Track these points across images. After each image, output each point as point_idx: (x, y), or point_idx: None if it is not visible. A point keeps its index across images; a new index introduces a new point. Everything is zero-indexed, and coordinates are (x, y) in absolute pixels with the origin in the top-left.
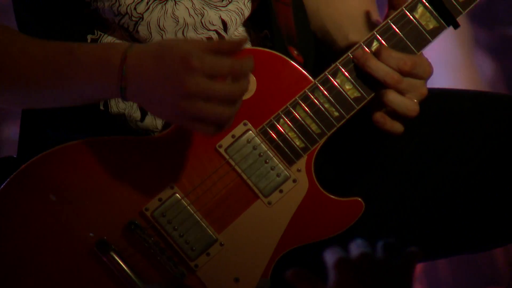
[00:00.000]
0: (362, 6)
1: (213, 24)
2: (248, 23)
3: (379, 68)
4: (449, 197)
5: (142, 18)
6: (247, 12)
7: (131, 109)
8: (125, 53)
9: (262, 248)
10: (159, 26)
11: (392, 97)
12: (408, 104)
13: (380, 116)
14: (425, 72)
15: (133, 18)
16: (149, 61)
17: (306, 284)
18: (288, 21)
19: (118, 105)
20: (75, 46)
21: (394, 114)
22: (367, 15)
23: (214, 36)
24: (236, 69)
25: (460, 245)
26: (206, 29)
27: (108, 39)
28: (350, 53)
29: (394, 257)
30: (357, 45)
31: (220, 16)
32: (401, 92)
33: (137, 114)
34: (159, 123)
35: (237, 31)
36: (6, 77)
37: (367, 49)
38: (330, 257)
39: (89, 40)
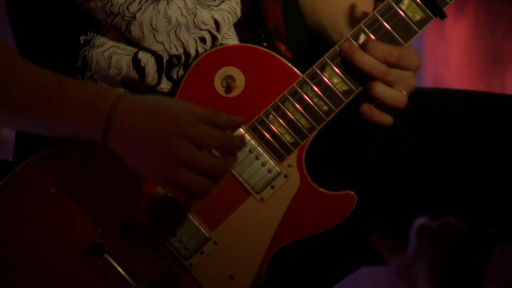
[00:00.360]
0: (357, 1)
1: (206, 24)
2: (242, 23)
3: (365, 61)
4: (445, 196)
5: (135, 18)
6: (239, 11)
7: None
8: (116, 102)
9: (256, 244)
10: (151, 25)
11: (380, 89)
12: (397, 95)
13: (367, 108)
14: (413, 64)
15: (126, 18)
16: (139, 115)
17: (387, 248)
18: (277, 17)
19: None
20: (67, 83)
21: (383, 106)
22: (362, 10)
23: (207, 35)
24: (227, 144)
25: None
26: (199, 28)
27: (101, 40)
28: (338, 47)
29: (477, 234)
30: (344, 39)
31: (213, 16)
32: (389, 84)
33: None
34: None
35: (230, 31)
36: None
37: (354, 42)
38: (415, 223)
39: (82, 41)
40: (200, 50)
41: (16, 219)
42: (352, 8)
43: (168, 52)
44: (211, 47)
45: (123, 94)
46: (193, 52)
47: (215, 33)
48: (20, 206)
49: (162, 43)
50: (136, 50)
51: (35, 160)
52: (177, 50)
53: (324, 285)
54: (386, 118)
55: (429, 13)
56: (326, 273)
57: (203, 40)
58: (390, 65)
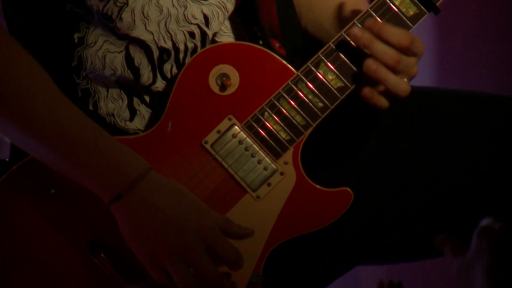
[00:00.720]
0: None
1: (195, 18)
2: (238, 20)
3: (379, 49)
4: (441, 194)
5: (127, 4)
6: (230, 7)
7: (120, 109)
8: (146, 173)
9: (253, 242)
10: (143, 13)
11: (389, 77)
12: (402, 84)
13: (368, 91)
14: (419, 49)
15: (118, 4)
16: (165, 197)
17: (449, 248)
18: (271, 14)
19: (107, 105)
20: (101, 132)
21: (385, 92)
22: (358, 6)
23: (196, 30)
24: (235, 259)
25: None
26: (188, 22)
27: (92, 36)
28: (331, 43)
29: None
30: (338, 35)
31: (202, 10)
32: (396, 72)
33: (126, 114)
34: (147, 120)
35: (225, 27)
36: (23, 121)
37: (366, 32)
38: (479, 224)
39: (76, 40)
40: (190, 45)
41: (13, 218)
42: (349, 4)
43: (156, 43)
44: (202, 44)
45: (151, 167)
46: (182, 47)
47: (205, 28)
48: (17, 206)
49: (152, 33)
50: (126, 43)
51: (32, 159)
52: (166, 43)
53: (321, 282)
54: (383, 101)
55: (423, 8)
56: (323, 270)
57: (192, 34)
58: (403, 49)
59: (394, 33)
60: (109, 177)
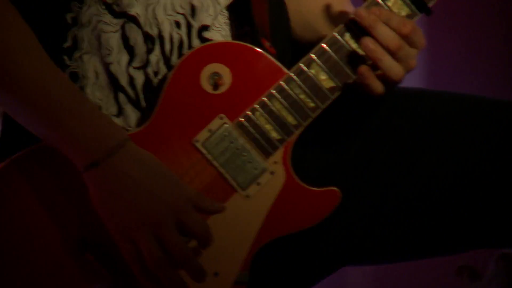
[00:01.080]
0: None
1: (182, 8)
2: (231, 18)
3: (383, 31)
4: (429, 196)
5: None
6: (223, 1)
7: (107, 100)
8: (124, 142)
9: (241, 241)
10: None
11: (383, 56)
12: (396, 67)
13: (365, 69)
14: (420, 41)
15: None
16: (142, 168)
17: (467, 274)
18: (262, 13)
19: (94, 93)
20: (83, 98)
21: (380, 76)
22: (347, 8)
23: (183, 21)
24: (206, 236)
25: (445, 245)
26: (175, 11)
27: (86, 16)
28: (323, 43)
29: None
30: (329, 36)
31: (191, 1)
32: (396, 59)
33: (114, 109)
34: (133, 120)
35: (217, 22)
36: (9, 80)
37: (340, 38)
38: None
39: (70, 21)
40: (175, 36)
41: (2, 214)
42: (336, 5)
43: (142, 27)
44: (188, 36)
45: (129, 138)
46: (167, 36)
47: (190, 19)
48: (7, 203)
49: (139, 15)
50: (122, 22)
51: (23, 155)
52: (152, 29)
53: (308, 282)
54: (377, 85)
55: (415, 9)
56: (310, 270)
57: (178, 24)
58: (403, 35)
59: (395, 18)
60: (87, 143)
